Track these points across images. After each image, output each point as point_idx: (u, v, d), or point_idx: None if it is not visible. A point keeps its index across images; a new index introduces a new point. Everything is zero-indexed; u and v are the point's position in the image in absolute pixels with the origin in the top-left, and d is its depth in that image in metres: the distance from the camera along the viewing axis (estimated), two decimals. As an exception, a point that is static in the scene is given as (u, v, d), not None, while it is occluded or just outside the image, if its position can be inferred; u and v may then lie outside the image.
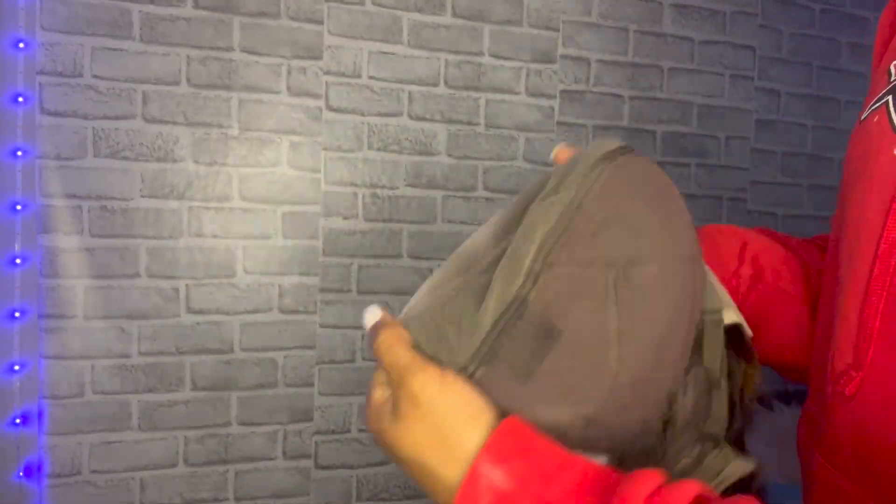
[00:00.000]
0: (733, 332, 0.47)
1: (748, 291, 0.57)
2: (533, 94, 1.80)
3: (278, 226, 1.63)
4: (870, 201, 0.44)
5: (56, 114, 1.47)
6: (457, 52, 1.73)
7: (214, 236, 1.58)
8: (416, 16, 1.70)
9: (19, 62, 1.45)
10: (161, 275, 1.55)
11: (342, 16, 1.65)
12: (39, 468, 1.49)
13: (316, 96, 1.64)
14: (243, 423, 1.62)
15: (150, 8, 1.51)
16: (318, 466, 1.68)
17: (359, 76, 1.67)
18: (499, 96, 1.77)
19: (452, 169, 1.74)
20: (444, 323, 0.41)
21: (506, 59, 1.77)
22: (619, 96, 1.88)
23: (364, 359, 1.70)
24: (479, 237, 0.46)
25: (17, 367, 1.47)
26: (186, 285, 1.57)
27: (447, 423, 0.36)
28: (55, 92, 1.47)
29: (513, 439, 0.36)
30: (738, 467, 0.43)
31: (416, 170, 1.72)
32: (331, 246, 1.67)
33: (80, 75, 1.48)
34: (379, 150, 1.69)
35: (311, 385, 1.67)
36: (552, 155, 0.50)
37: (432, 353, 0.40)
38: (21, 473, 1.48)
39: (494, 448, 0.35)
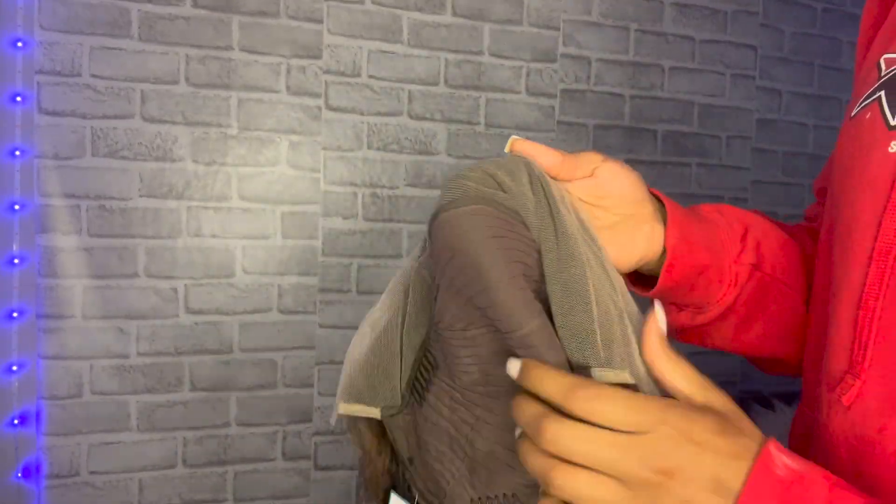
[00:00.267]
0: None
1: (747, 279, 0.56)
2: (533, 94, 1.79)
3: (277, 226, 1.62)
4: (863, 200, 0.43)
5: (54, 113, 1.46)
6: (457, 52, 1.73)
7: (213, 236, 1.58)
8: (416, 15, 1.69)
9: (17, 61, 1.45)
10: (160, 275, 1.54)
11: (342, 15, 1.64)
12: (38, 469, 1.48)
13: (315, 95, 1.63)
14: (242, 424, 1.61)
15: (149, 7, 1.51)
16: (318, 467, 1.68)
17: (358, 75, 1.66)
18: (499, 95, 1.76)
19: (452, 169, 1.74)
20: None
21: (506, 58, 1.76)
22: (619, 95, 1.87)
23: (364, 359, 1.70)
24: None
25: (15, 368, 1.47)
26: (185, 285, 1.56)
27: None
28: (53, 91, 1.46)
29: (782, 446, 0.36)
30: None
31: (416, 169, 1.71)
32: (330, 246, 1.66)
33: (79, 74, 1.47)
34: (379, 149, 1.69)
35: (311, 386, 1.66)
36: (508, 147, 0.48)
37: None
38: (19, 474, 1.47)
39: (776, 443, 0.36)
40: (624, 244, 0.50)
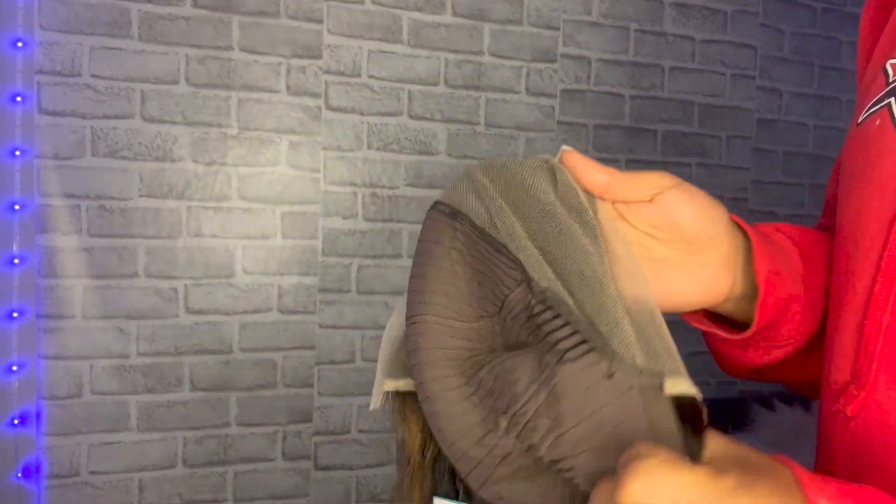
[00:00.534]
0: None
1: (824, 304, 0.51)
2: (533, 94, 1.79)
3: (277, 226, 1.62)
4: (871, 208, 0.42)
5: (54, 113, 1.46)
6: (457, 52, 1.73)
7: (213, 236, 1.58)
8: (416, 15, 1.69)
9: (17, 61, 1.45)
10: (160, 275, 1.54)
11: (342, 15, 1.64)
12: (38, 469, 1.48)
13: (315, 95, 1.63)
14: (242, 424, 1.61)
15: (149, 7, 1.51)
16: (318, 467, 1.68)
17: (358, 75, 1.66)
18: (499, 95, 1.76)
19: (452, 169, 1.74)
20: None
21: (506, 58, 1.76)
22: (619, 95, 1.87)
23: (363, 359, 1.70)
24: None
25: (15, 368, 1.47)
26: (185, 285, 1.56)
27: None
28: (53, 91, 1.46)
29: (815, 475, 0.31)
30: None
31: (416, 169, 1.71)
32: (330, 246, 1.66)
33: (79, 74, 1.47)
34: (379, 149, 1.69)
35: (311, 386, 1.66)
36: (560, 157, 0.43)
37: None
38: (19, 474, 1.47)
39: (812, 484, 0.30)
40: (670, 284, 0.44)
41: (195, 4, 1.54)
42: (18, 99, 1.45)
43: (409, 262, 1.79)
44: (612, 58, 1.86)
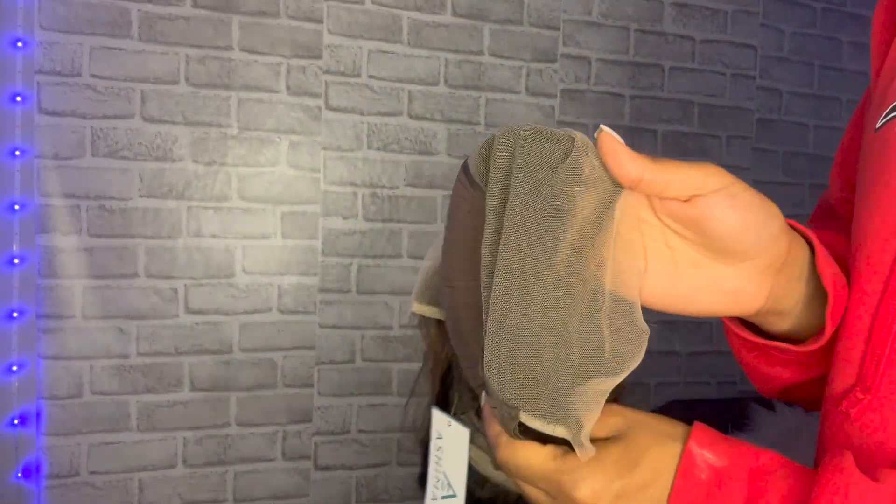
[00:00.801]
0: None
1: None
2: (533, 94, 1.79)
3: (277, 226, 1.62)
4: (886, 213, 0.42)
5: (54, 113, 1.46)
6: (457, 52, 1.73)
7: (213, 236, 1.58)
8: (416, 15, 1.69)
9: (17, 61, 1.45)
10: (160, 275, 1.54)
11: (342, 15, 1.64)
12: (38, 469, 1.48)
13: (315, 95, 1.63)
14: (242, 424, 1.61)
15: (149, 7, 1.51)
16: (318, 467, 1.68)
17: (358, 75, 1.66)
18: (499, 95, 1.76)
19: (452, 169, 1.73)
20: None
21: (506, 58, 1.76)
22: (619, 95, 1.87)
23: (363, 359, 1.70)
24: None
25: (15, 368, 1.47)
26: (185, 285, 1.56)
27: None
28: (53, 91, 1.46)
29: (710, 432, 0.39)
30: None
31: (415, 169, 1.71)
32: (330, 246, 1.66)
33: (79, 74, 1.47)
34: (379, 149, 1.69)
35: (311, 386, 1.66)
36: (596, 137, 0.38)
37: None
38: (19, 474, 1.47)
39: (700, 435, 0.38)
40: (684, 289, 0.41)
41: (195, 4, 1.54)
42: (18, 99, 1.45)
43: (409, 262, 1.80)
44: (612, 58, 1.86)
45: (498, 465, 0.42)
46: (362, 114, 1.67)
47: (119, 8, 1.49)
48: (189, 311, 1.57)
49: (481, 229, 0.38)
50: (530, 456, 0.38)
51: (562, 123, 1.81)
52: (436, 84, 1.72)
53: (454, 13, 1.72)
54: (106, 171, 1.50)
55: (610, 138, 0.36)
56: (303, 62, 1.62)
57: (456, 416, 0.47)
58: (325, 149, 1.65)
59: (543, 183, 0.36)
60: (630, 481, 0.37)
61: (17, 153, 1.46)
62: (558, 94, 1.82)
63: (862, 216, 0.45)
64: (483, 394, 0.37)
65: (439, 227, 1.73)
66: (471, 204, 0.39)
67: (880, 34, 0.53)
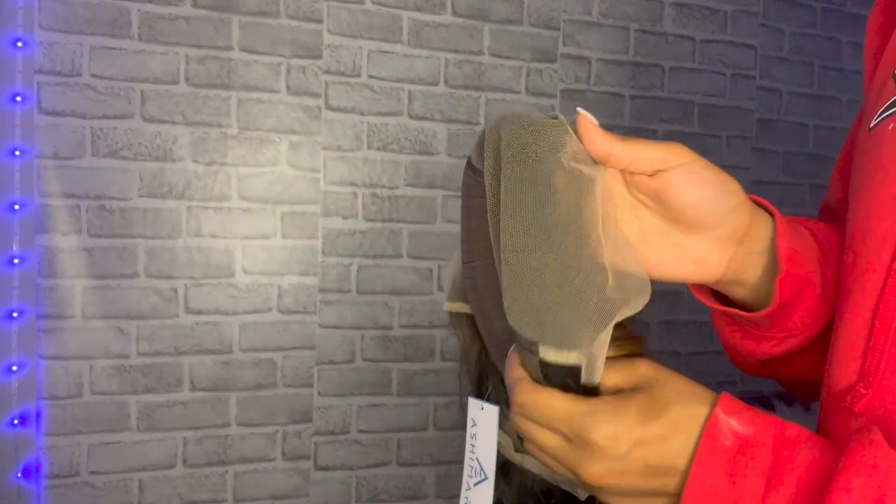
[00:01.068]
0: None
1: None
2: (533, 94, 1.79)
3: (277, 226, 1.62)
4: (882, 210, 0.43)
5: (54, 113, 1.46)
6: (457, 51, 1.73)
7: (213, 236, 1.58)
8: (416, 14, 1.69)
9: (17, 61, 1.45)
10: (160, 275, 1.54)
11: (342, 14, 1.64)
12: (38, 469, 1.48)
13: (315, 95, 1.63)
14: (242, 424, 1.61)
15: (149, 7, 1.51)
16: (318, 467, 1.68)
17: (358, 75, 1.66)
18: (499, 95, 1.76)
19: (452, 169, 1.74)
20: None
21: (506, 58, 1.76)
22: (619, 95, 1.87)
23: (363, 359, 1.70)
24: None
25: (15, 368, 1.47)
26: (185, 285, 1.56)
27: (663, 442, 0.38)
28: (53, 91, 1.46)
29: (735, 401, 0.39)
30: None
31: (415, 169, 1.71)
32: (330, 246, 1.66)
33: (79, 74, 1.47)
34: (379, 149, 1.69)
35: (311, 386, 1.66)
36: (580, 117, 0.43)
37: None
38: (19, 474, 1.47)
39: (726, 404, 0.38)
40: (653, 256, 0.45)
41: (195, 4, 1.54)
42: (18, 99, 1.45)
43: (409, 262, 1.80)
44: (612, 58, 1.86)
45: (521, 448, 0.46)
46: (362, 114, 1.67)
47: (119, 8, 1.49)
48: (189, 311, 1.57)
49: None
50: (552, 396, 0.39)
51: (562, 123, 1.81)
52: (436, 84, 1.72)
53: (454, 13, 1.72)
54: (106, 171, 1.50)
55: (586, 119, 0.42)
56: (303, 62, 1.62)
57: (488, 401, 0.50)
58: (325, 149, 1.65)
59: (533, 157, 0.42)
60: (649, 430, 0.37)
61: (17, 153, 1.46)
62: (558, 94, 1.82)
63: (858, 215, 0.46)
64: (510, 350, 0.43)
65: (439, 226, 1.73)
66: (479, 190, 0.44)
67: (875, 36, 0.53)
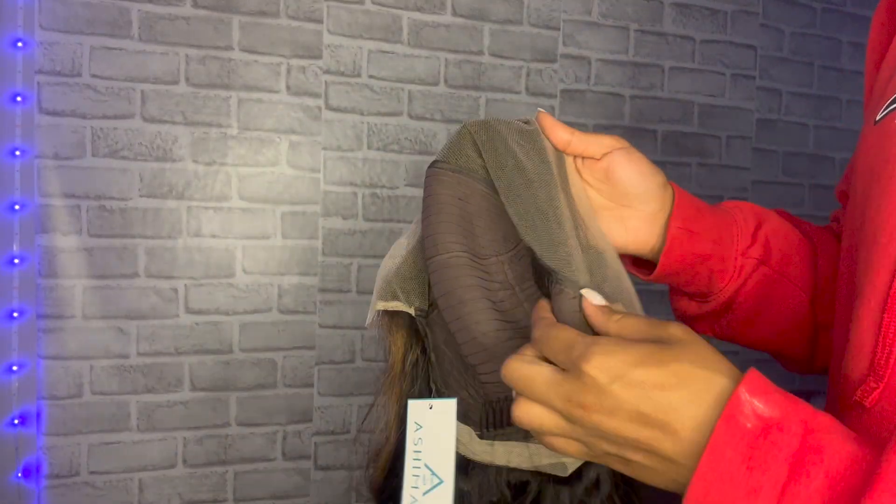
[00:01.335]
0: None
1: (752, 272, 0.58)
2: (533, 94, 1.79)
3: (277, 226, 1.62)
4: (890, 205, 0.43)
5: (54, 113, 1.46)
6: (457, 52, 1.73)
7: (213, 236, 1.58)
8: (416, 15, 1.69)
9: (18, 61, 1.45)
10: (160, 275, 1.54)
11: (342, 15, 1.64)
12: (38, 469, 1.48)
13: (315, 96, 1.63)
14: (242, 424, 1.61)
15: (149, 7, 1.51)
16: (318, 467, 1.68)
17: (358, 75, 1.66)
18: (499, 95, 1.76)
19: (452, 168, 1.73)
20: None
21: (506, 58, 1.76)
22: (619, 96, 1.87)
23: (363, 359, 1.70)
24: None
25: (15, 368, 1.47)
26: (185, 285, 1.56)
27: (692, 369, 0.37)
28: (54, 91, 1.46)
29: (763, 380, 0.36)
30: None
31: (416, 169, 1.71)
32: (330, 246, 1.66)
33: (79, 74, 1.47)
34: (379, 149, 1.69)
35: (311, 386, 1.66)
36: (538, 118, 0.54)
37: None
38: (19, 474, 1.47)
39: (753, 383, 0.35)
40: (602, 228, 0.53)
41: (195, 4, 1.54)
42: (18, 99, 1.45)
43: (409, 262, 1.78)
44: (612, 58, 1.86)
45: (484, 436, 0.47)
46: (362, 114, 1.67)
47: (119, 8, 1.49)
48: (189, 311, 1.57)
49: (469, 207, 0.49)
50: (565, 329, 0.40)
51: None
52: (436, 84, 1.72)
53: (454, 13, 1.72)
54: (106, 171, 1.50)
55: (545, 114, 0.53)
56: (303, 62, 1.62)
57: (439, 397, 0.50)
58: (325, 149, 1.65)
59: (513, 155, 0.49)
60: (647, 374, 0.35)
61: (18, 153, 1.46)
62: (558, 94, 1.82)
63: (867, 210, 0.46)
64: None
65: (439, 227, 1.73)
66: (456, 186, 0.50)
67: (879, 32, 0.54)
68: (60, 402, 1.49)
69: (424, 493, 0.43)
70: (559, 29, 1.81)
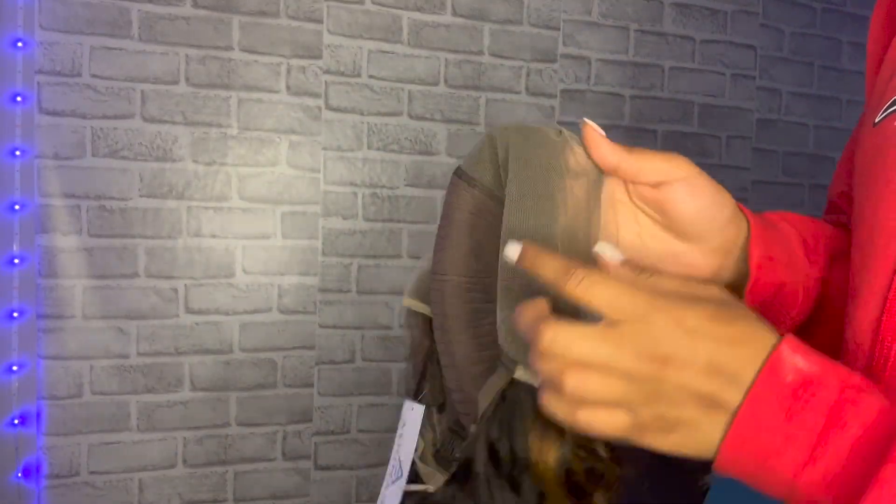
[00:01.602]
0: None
1: (816, 294, 0.53)
2: (533, 94, 1.79)
3: (278, 226, 1.62)
4: (890, 208, 0.43)
5: (54, 113, 1.46)
6: (457, 52, 1.73)
7: (213, 236, 1.58)
8: (416, 15, 1.69)
9: (18, 61, 1.45)
10: (160, 275, 1.54)
11: (342, 15, 1.64)
12: (38, 469, 1.48)
13: (315, 96, 1.63)
14: (242, 424, 1.61)
15: (149, 7, 1.51)
16: (318, 467, 1.68)
17: (358, 75, 1.66)
18: (499, 95, 1.76)
19: (452, 169, 1.73)
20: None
21: (506, 58, 1.76)
22: (619, 96, 1.87)
23: (363, 359, 1.70)
24: None
25: (15, 368, 1.47)
26: (185, 285, 1.56)
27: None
28: (54, 91, 1.46)
29: (804, 344, 0.36)
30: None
31: (415, 169, 1.71)
32: (330, 246, 1.66)
33: (79, 74, 1.47)
34: (379, 149, 1.69)
35: (311, 385, 1.66)
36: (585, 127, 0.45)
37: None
38: (20, 474, 1.47)
39: (793, 342, 0.35)
40: (651, 261, 0.47)
41: (195, 4, 1.54)
42: (18, 99, 1.45)
43: (409, 262, 1.80)
44: (612, 58, 1.86)
45: (438, 459, 0.47)
46: (362, 114, 1.67)
47: (119, 8, 1.49)
48: (189, 311, 1.57)
49: (479, 225, 0.45)
50: (615, 281, 0.37)
51: (562, 124, 1.81)
52: (436, 84, 1.72)
53: (454, 13, 1.72)
54: (106, 171, 1.50)
55: (592, 130, 0.43)
56: (303, 62, 1.62)
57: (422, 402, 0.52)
58: (325, 149, 1.65)
59: (538, 172, 0.43)
60: (720, 329, 0.35)
61: (18, 153, 1.46)
62: (558, 94, 1.82)
63: (865, 212, 0.46)
64: None
65: (439, 227, 1.73)
66: (470, 203, 0.46)
67: (879, 32, 0.53)
68: (60, 402, 1.49)
69: (392, 482, 0.47)
70: (559, 29, 1.81)
